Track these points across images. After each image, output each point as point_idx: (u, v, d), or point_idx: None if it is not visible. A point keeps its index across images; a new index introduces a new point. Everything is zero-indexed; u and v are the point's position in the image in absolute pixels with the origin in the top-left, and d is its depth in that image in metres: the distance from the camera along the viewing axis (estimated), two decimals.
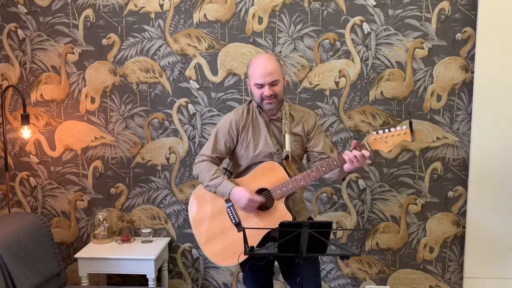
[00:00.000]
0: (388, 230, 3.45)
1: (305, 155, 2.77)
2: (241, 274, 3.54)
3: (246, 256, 2.48)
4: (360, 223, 3.45)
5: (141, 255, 3.24)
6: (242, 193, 2.55)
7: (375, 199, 3.42)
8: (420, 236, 3.44)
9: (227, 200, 2.64)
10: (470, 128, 3.29)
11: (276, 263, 2.93)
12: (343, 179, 2.72)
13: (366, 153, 2.42)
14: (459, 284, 3.46)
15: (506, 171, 3.24)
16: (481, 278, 3.34)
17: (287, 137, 2.61)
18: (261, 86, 2.55)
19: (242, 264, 2.70)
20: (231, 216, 2.63)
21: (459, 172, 3.36)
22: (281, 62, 3.14)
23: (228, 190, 2.58)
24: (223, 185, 2.60)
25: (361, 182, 3.41)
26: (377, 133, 2.47)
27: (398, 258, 3.47)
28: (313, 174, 2.52)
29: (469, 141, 3.30)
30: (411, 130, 2.41)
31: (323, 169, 2.51)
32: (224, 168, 2.87)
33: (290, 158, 2.60)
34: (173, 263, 3.59)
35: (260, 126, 2.66)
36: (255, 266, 2.62)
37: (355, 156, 2.41)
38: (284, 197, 2.57)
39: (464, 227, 3.37)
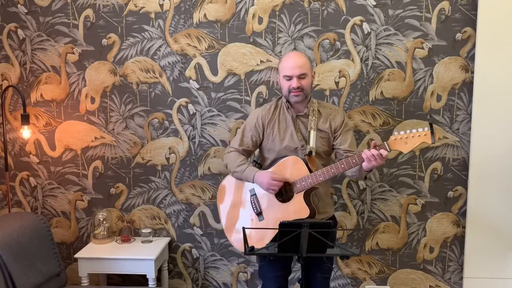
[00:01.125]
0: (388, 230, 3.45)
1: (333, 152, 2.85)
2: (241, 274, 3.55)
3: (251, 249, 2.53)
4: (360, 223, 3.45)
5: (141, 255, 3.24)
6: (264, 174, 2.69)
7: (375, 199, 3.42)
8: (420, 236, 3.44)
9: (251, 190, 2.78)
10: (470, 128, 3.28)
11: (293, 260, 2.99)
12: (365, 178, 2.78)
13: (384, 152, 2.48)
14: (459, 284, 3.46)
15: (506, 171, 3.24)
16: (481, 278, 3.34)
17: (312, 133, 2.71)
18: (289, 78, 2.66)
19: (259, 257, 2.83)
20: (254, 206, 2.77)
21: (459, 172, 3.36)
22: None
23: (252, 174, 2.71)
24: (248, 170, 2.74)
25: (361, 182, 3.41)
26: (398, 133, 2.51)
27: (398, 258, 3.47)
28: (332, 170, 2.60)
29: (469, 141, 3.30)
30: (432, 132, 2.45)
31: (342, 166, 2.59)
32: (254, 160, 2.97)
33: (313, 154, 2.69)
34: (173, 263, 3.59)
35: (287, 121, 2.77)
36: (270, 261, 2.71)
37: (373, 155, 2.47)
38: (304, 191, 2.65)
39: (464, 227, 3.37)
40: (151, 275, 3.22)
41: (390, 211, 3.43)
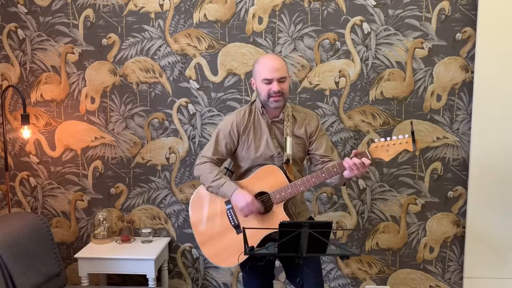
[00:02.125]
0: (388, 230, 3.45)
1: (307, 157, 2.76)
2: (241, 274, 3.54)
3: (246, 256, 2.49)
4: (360, 223, 3.45)
5: (141, 255, 3.24)
6: (244, 195, 2.56)
7: (375, 199, 3.42)
8: (420, 236, 3.44)
9: (227, 202, 2.65)
10: (470, 128, 3.29)
11: (277, 264, 2.92)
12: (344, 184, 2.70)
13: (366, 161, 2.41)
14: (459, 284, 3.46)
15: (506, 171, 3.24)
16: (481, 278, 3.34)
17: (289, 140, 2.60)
18: (269, 81, 2.53)
19: (242, 265, 2.70)
20: (231, 218, 2.64)
21: (459, 172, 3.36)
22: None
23: (231, 191, 2.58)
24: (225, 186, 2.60)
25: (361, 182, 3.41)
26: (379, 141, 2.45)
27: (398, 258, 3.47)
28: (313, 179, 2.52)
29: (469, 141, 3.30)
30: (413, 140, 2.40)
31: (323, 175, 2.51)
32: (225, 167, 2.86)
33: (291, 161, 2.59)
34: (173, 263, 3.59)
35: (262, 128, 2.64)
36: (254, 266, 2.61)
37: (355, 164, 2.40)
38: (283, 202, 2.57)
39: (464, 227, 3.37)
40: (151, 275, 3.22)
41: (390, 211, 3.43)
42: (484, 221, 3.30)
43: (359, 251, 3.43)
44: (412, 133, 2.41)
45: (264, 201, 2.60)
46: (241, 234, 2.53)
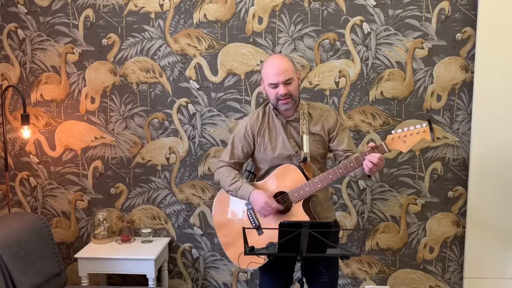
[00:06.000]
0: (388, 230, 3.45)
1: (331, 154, 2.73)
2: (241, 274, 3.55)
3: (245, 258, 2.48)
4: (360, 223, 3.45)
5: (141, 255, 3.25)
6: (260, 196, 2.56)
7: (375, 199, 3.42)
8: (420, 236, 3.44)
9: (247, 204, 2.65)
10: (470, 128, 3.29)
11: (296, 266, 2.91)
12: (369, 176, 2.58)
13: (382, 151, 2.38)
14: (459, 284, 3.46)
15: (506, 171, 3.24)
16: (481, 278, 3.34)
17: (305, 138, 2.58)
18: (275, 86, 2.52)
19: (260, 268, 2.69)
20: (251, 220, 2.65)
21: (459, 172, 3.36)
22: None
23: (248, 193, 2.59)
24: (242, 188, 2.61)
25: (361, 182, 3.41)
26: (395, 132, 2.40)
27: (398, 258, 3.47)
28: (330, 176, 2.50)
29: (469, 141, 3.30)
30: (431, 128, 2.34)
31: (340, 171, 2.49)
32: (247, 170, 2.86)
33: (308, 160, 2.57)
34: (173, 263, 3.59)
35: (277, 128, 2.63)
36: (272, 269, 2.60)
37: (377, 159, 2.34)
38: (302, 200, 2.55)
39: (464, 227, 3.37)
40: (151, 275, 3.22)
41: (390, 211, 3.43)
42: (484, 221, 3.30)
43: (359, 251, 3.40)
44: (429, 121, 2.36)
45: (284, 200, 2.59)
46: (263, 236, 2.58)
